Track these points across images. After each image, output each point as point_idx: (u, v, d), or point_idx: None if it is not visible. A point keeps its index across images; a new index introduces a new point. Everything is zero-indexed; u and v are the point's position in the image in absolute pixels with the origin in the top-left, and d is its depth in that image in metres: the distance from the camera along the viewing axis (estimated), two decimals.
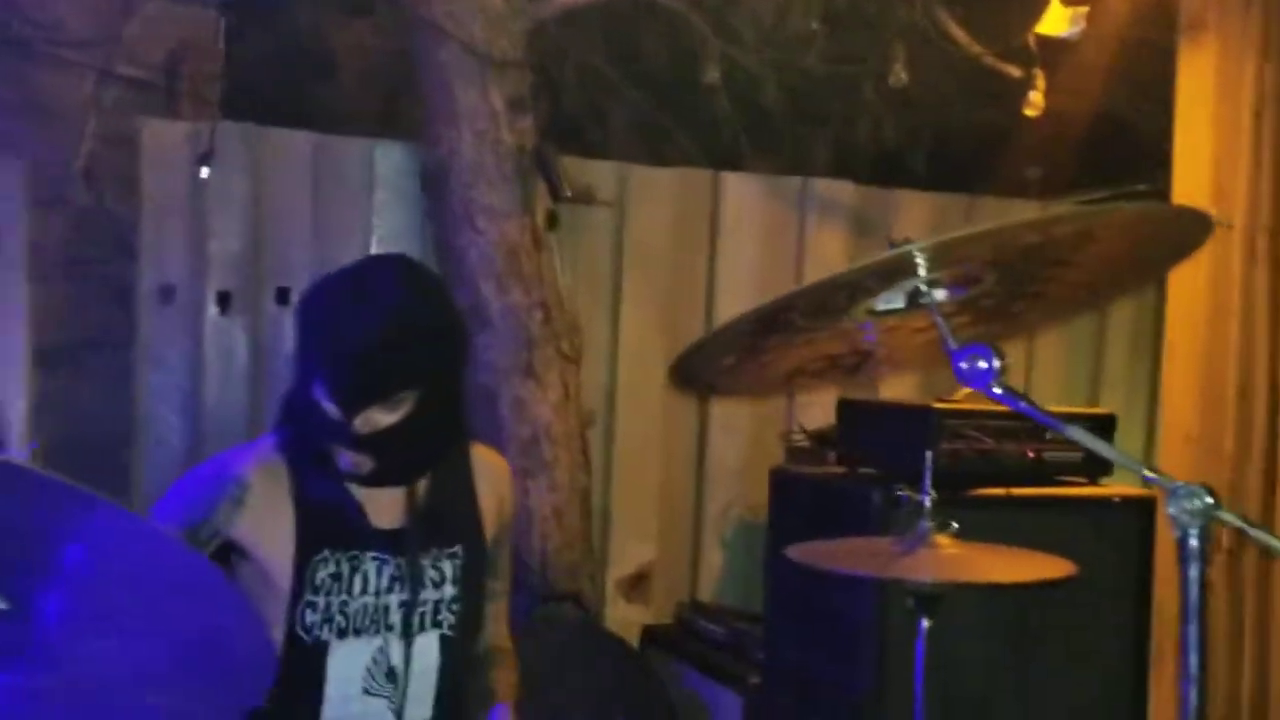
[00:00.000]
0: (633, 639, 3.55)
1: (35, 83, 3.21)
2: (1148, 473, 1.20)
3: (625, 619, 3.64)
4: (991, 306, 1.42)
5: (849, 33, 3.70)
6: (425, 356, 1.86)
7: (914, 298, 1.32)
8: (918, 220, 3.88)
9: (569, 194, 3.19)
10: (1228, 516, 1.12)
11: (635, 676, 3.18)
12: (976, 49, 3.16)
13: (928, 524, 1.79)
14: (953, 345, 1.28)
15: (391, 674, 1.90)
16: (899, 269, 1.24)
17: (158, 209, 3.25)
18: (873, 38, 3.54)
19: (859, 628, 2.32)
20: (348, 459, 1.86)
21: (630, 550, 3.69)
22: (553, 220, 3.34)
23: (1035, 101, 3.14)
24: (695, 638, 3.44)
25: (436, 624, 1.95)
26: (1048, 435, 2.68)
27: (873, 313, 1.35)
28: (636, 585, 3.71)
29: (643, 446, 3.68)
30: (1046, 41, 3.08)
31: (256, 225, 3.35)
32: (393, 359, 1.81)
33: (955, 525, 2.13)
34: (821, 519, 2.57)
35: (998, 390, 1.27)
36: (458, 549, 1.99)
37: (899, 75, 3.13)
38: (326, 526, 1.90)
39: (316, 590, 1.87)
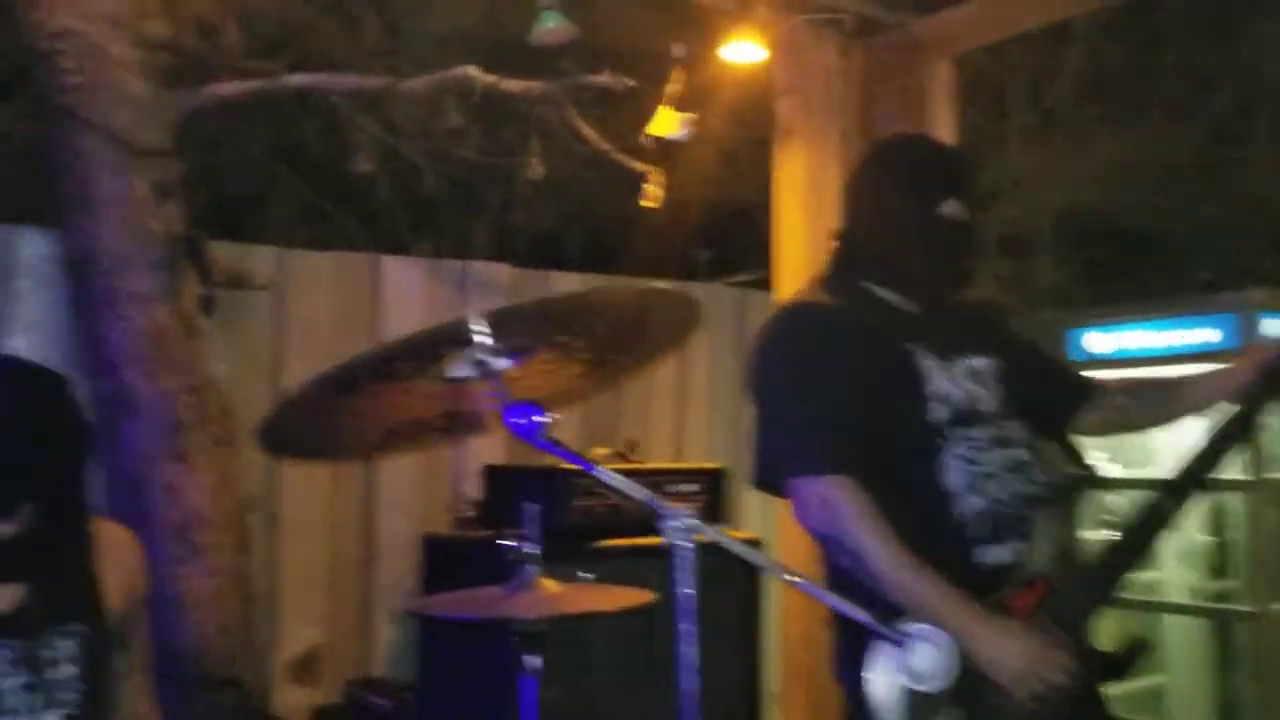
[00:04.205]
0: None
1: None
2: (655, 502, 1.44)
3: (294, 703, 3.63)
4: (551, 371, 1.64)
5: (501, 126, 3.97)
6: (41, 468, 1.88)
7: (481, 366, 1.51)
8: None
9: (219, 279, 3.23)
10: (709, 532, 1.38)
11: None
12: (604, 146, 3.49)
13: (531, 569, 1.98)
14: (507, 402, 1.48)
15: None
16: (451, 338, 1.43)
17: None
18: (522, 132, 3.82)
19: (495, 678, 2.46)
20: None
21: (298, 632, 3.69)
22: (208, 305, 3.36)
23: (652, 194, 3.50)
24: (365, 714, 3.47)
25: (60, 704, 1.93)
26: (667, 489, 2.97)
27: (446, 379, 1.53)
28: (306, 667, 3.70)
29: (307, 527, 3.71)
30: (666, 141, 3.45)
31: None
32: (3, 475, 1.82)
33: (590, 576, 2.33)
34: (465, 580, 2.70)
35: (543, 440, 1.48)
36: (78, 627, 1.99)
37: (535, 168, 3.41)
38: None
39: None
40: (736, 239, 4.38)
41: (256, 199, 4.02)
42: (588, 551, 2.74)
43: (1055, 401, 2.28)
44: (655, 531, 2.89)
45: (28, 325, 3.33)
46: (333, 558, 3.76)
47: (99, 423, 3.18)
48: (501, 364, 1.52)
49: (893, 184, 2.12)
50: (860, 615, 1.49)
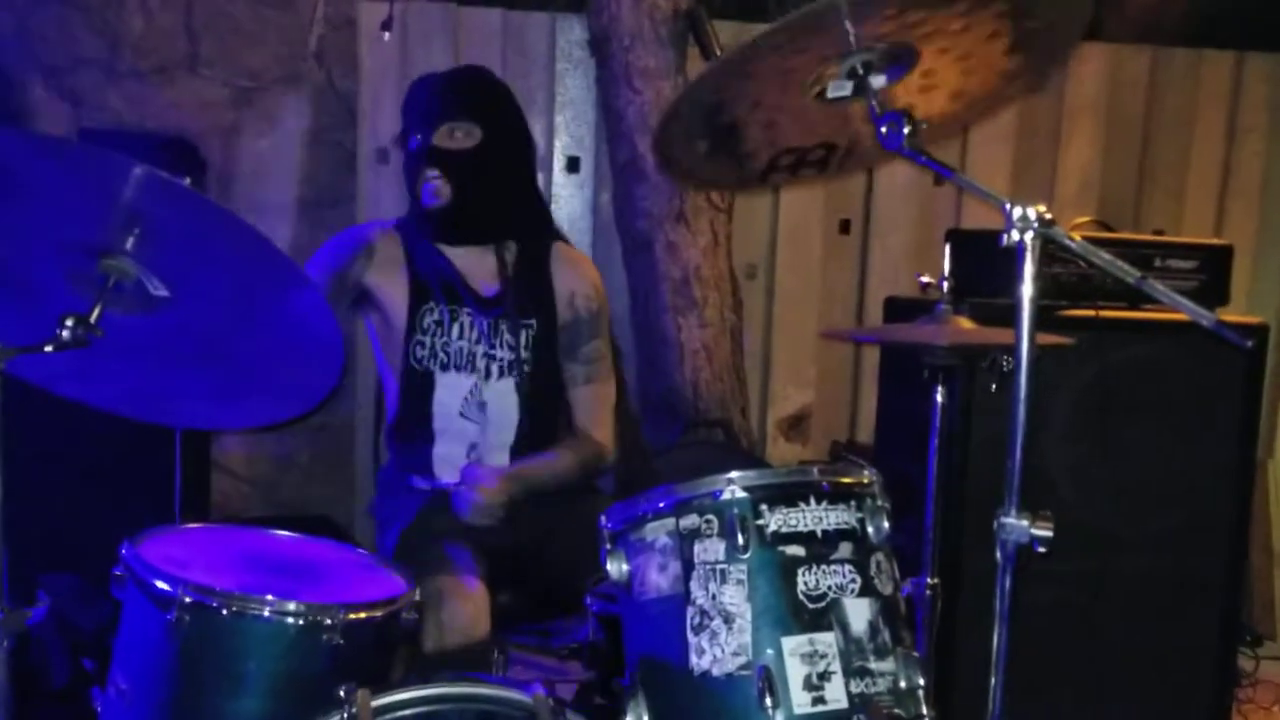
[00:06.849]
0: None
1: None
2: (1001, 201, 1.39)
3: (784, 456, 3.95)
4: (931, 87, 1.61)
5: None
6: (483, 97, 2.46)
7: (858, 85, 1.53)
8: (1092, 72, 3.92)
9: (720, 54, 3.43)
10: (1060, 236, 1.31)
11: None
12: None
13: (944, 306, 2.00)
14: (876, 111, 1.50)
15: (482, 406, 2.41)
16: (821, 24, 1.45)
17: (374, 82, 3.77)
18: None
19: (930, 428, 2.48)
20: (430, 187, 2.38)
21: (789, 394, 3.98)
22: None
23: None
24: None
25: (513, 374, 2.42)
26: (1155, 264, 2.75)
27: (825, 99, 1.57)
28: (795, 425, 4.00)
29: (802, 298, 3.93)
30: None
31: None
32: (458, 88, 2.44)
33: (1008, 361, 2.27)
34: None
35: (909, 149, 1.48)
36: (532, 322, 2.47)
37: None
38: (431, 283, 2.44)
39: (424, 332, 2.41)
40: None
41: None
42: (1050, 319, 2.64)
43: None
44: (1124, 303, 2.71)
45: (565, 104, 3.82)
46: (824, 326, 3.96)
47: (618, 188, 3.61)
48: (878, 80, 1.53)
49: None
50: None
